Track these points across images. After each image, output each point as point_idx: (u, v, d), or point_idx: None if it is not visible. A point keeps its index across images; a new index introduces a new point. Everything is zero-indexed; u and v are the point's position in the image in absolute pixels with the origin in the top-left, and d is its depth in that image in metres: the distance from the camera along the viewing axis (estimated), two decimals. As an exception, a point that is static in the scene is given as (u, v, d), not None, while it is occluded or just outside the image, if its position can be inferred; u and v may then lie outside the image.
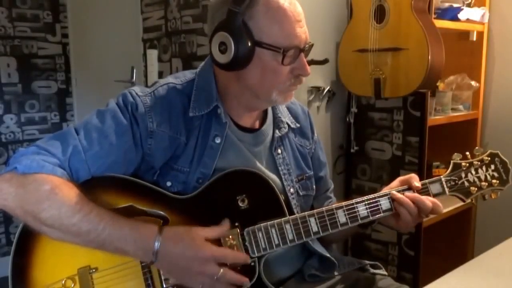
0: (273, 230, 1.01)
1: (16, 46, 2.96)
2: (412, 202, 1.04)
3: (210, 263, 0.93)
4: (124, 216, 0.95)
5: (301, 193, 1.17)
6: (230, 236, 1.00)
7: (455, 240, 2.39)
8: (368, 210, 1.05)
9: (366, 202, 1.05)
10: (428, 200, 1.04)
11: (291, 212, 1.09)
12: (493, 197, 1.10)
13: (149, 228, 0.94)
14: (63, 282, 0.96)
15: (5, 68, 2.94)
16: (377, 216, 1.06)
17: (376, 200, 1.06)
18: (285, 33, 1.01)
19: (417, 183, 1.07)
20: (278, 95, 1.05)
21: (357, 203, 1.05)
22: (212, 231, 0.98)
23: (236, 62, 1.01)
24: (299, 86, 1.09)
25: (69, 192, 0.93)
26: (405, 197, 1.04)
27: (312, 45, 1.07)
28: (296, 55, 1.03)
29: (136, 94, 1.06)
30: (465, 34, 2.27)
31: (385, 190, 1.09)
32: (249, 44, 1.00)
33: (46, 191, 0.91)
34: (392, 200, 1.06)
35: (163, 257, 0.92)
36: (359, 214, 1.04)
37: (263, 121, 1.17)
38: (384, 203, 1.06)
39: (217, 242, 0.99)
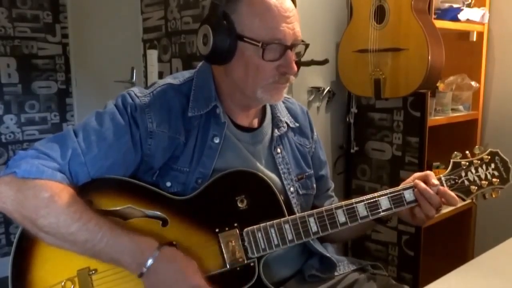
0: (273, 230, 1.01)
1: (16, 46, 2.96)
2: (437, 194, 1.04)
3: None
4: (122, 226, 0.95)
5: (301, 192, 1.17)
6: (230, 237, 1.00)
7: (455, 240, 2.39)
8: (368, 210, 1.05)
9: (366, 202, 1.05)
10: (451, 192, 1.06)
11: (291, 212, 1.09)
12: (493, 196, 1.10)
13: (148, 242, 0.94)
14: (62, 283, 0.95)
15: (5, 68, 2.94)
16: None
17: (395, 193, 1.06)
18: (266, 27, 0.99)
19: (434, 180, 1.07)
20: (263, 93, 1.04)
21: (356, 202, 1.05)
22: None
23: (216, 54, 1.01)
24: (287, 85, 1.07)
25: (69, 200, 0.92)
26: (428, 189, 1.04)
27: (308, 45, 1.06)
28: (281, 51, 1.01)
29: (135, 95, 1.06)
30: (465, 34, 2.26)
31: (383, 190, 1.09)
32: (230, 37, 1.00)
33: (45, 198, 0.91)
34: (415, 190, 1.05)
35: (153, 272, 0.92)
36: (358, 213, 1.04)
37: (261, 120, 1.17)
38: (408, 196, 1.06)
39: (217, 243, 0.99)
